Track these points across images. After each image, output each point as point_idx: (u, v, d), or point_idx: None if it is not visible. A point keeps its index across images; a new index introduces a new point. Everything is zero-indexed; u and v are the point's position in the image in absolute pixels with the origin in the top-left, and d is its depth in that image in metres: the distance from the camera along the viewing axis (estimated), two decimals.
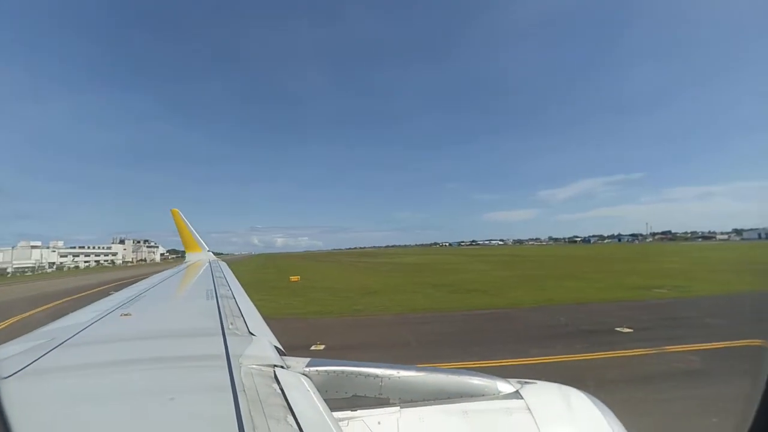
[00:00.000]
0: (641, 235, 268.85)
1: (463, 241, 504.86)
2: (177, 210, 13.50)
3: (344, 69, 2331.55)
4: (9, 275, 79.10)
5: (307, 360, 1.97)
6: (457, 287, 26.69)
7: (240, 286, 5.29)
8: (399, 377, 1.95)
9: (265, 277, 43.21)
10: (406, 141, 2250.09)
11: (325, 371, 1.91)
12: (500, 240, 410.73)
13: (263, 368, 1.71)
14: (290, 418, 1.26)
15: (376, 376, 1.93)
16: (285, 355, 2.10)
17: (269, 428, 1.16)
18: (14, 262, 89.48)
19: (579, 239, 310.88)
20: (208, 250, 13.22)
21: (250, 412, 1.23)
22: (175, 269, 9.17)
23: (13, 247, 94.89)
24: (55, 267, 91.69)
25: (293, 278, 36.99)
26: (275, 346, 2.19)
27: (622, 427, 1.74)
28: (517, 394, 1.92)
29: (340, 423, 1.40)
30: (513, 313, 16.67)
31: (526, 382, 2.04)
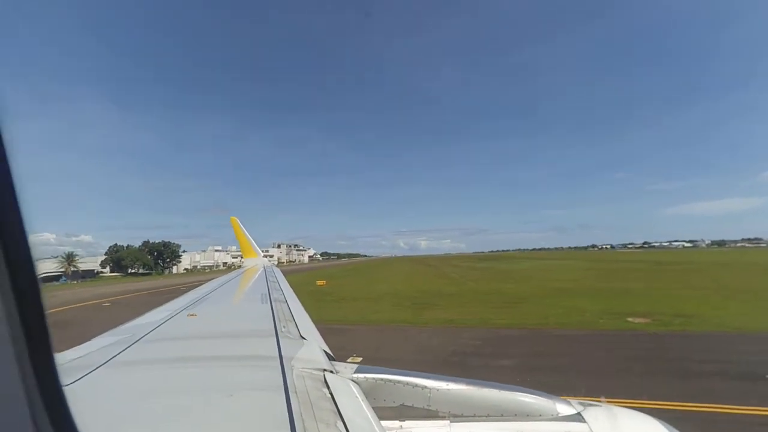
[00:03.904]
0: None
1: (631, 243, 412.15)
2: (236, 219, 14.04)
3: (476, 58, 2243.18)
4: (196, 270, 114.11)
5: (356, 366, 2.02)
6: (435, 301, 24.08)
7: (291, 290, 5.71)
8: (448, 390, 1.91)
9: (310, 279, 46.80)
10: (556, 127, 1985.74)
11: (373, 378, 1.92)
12: (687, 241, 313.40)
13: (314, 372, 1.78)
14: (340, 424, 1.30)
15: (425, 387, 1.91)
16: (334, 360, 2.18)
17: (319, 431, 1.21)
18: (201, 261, 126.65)
19: None
20: (264, 256, 14.20)
21: (301, 414, 1.28)
22: (234, 273, 10.33)
23: (204, 251, 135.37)
24: (226, 266, 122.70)
25: (320, 282, 39.14)
26: (324, 351, 2.28)
27: None
28: (578, 417, 1.82)
29: None
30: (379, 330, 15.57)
31: (589, 404, 1.93)
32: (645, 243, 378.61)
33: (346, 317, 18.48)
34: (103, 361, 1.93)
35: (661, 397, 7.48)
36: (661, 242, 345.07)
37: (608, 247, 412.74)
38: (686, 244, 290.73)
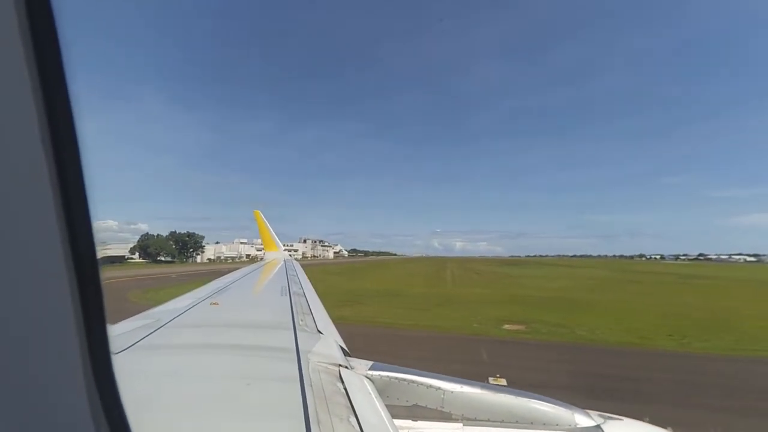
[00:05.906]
0: None
1: (684, 255, 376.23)
2: (259, 212, 14.13)
3: (520, 55, 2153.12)
4: (218, 261, 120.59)
5: (370, 363, 2.09)
6: (369, 301, 24.57)
7: (310, 284, 6.03)
8: (462, 392, 1.95)
9: None
10: (604, 127, 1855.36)
11: (387, 377, 1.97)
12: (750, 255, 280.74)
13: (329, 366, 1.86)
14: (353, 419, 1.36)
15: (439, 388, 1.96)
16: (349, 355, 2.25)
17: (332, 425, 1.27)
18: (225, 252, 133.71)
19: None
20: (284, 249, 14.56)
21: (315, 407, 1.35)
22: (255, 265, 10.63)
23: (232, 242, 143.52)
24: (249, 258, 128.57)
25: None
26: (341, 347, 2.36)
27: None
28: (598, 429, 1.80)
29: None
30: None
31: (609, 417, 1.92)
32: (700, 254, 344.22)
33: None
34: (128, 345, 2.01)
35: None
36: (719, 255, 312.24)
37: (658, 257, 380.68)
38: (747, 258, 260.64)
